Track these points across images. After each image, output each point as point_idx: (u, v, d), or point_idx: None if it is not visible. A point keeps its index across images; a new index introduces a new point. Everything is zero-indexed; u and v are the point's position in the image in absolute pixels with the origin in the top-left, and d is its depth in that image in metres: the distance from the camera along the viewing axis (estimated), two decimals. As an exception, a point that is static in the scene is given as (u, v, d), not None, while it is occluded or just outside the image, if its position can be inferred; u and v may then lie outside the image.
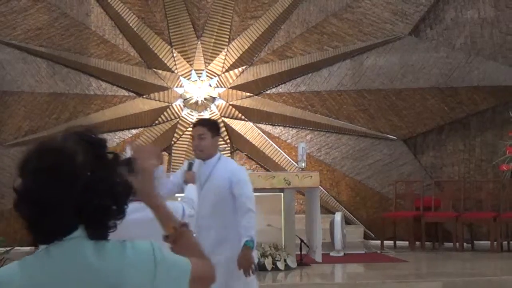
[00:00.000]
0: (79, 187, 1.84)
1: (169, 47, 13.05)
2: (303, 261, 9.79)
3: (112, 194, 1.89)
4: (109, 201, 1.89)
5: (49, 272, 1.84)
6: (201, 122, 6.10)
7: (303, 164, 10.67)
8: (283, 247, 9.64)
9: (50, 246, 1.87)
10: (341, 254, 10.91)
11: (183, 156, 12.85)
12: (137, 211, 3.85)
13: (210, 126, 5.94)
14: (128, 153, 11.39)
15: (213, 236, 5.71)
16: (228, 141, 13.04)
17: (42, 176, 1.84)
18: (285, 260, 9.47)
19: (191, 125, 6.09)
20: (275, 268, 9.38)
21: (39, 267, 1.85)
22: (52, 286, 1.84)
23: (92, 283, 1.86)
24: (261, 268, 9.31)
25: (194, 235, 5.96)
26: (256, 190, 9.56)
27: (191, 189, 5.51)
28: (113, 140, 12.87)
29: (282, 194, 9.80)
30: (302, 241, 9.84)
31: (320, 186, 10.70)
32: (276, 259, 9.42)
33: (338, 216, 11.12)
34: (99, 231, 1.90)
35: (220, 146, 11.57)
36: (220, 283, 5.75)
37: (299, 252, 9.83)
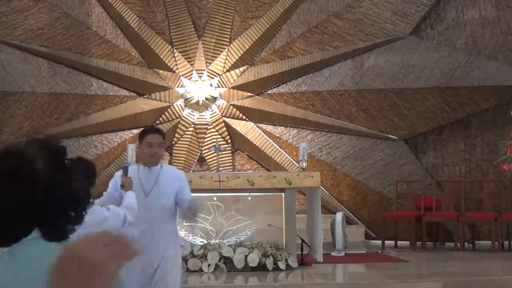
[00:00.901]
0: (39, 192, 1.86)
1: (170, 47, 13.06)
2: (304, 261, 9.79)
3: (70, 200, 1.92)
4: (68, 206, 1.91)
5: (13, 272, 1.86)
6: (159, 131, 6.16)
7: (304, 164, 10.67)
8: (284, 247, 9.64)
9: (11, 247, 1.89)
10: (342, 254, 10.91)
11: (184, 156, 12.85)
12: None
13: (164, 135, 6.08)
14: (129, 153, 11.35)
15: (155, 239, 5.85)
16: (229, 141, 13.05)
17: (1, 180, 1.85)
18: (286, 260, 9.46)
19: (147, 132, 6.07)
20: (276, 268, 9.38)
21: (3, 268, 1.86)
22: (19, 285, 1.86)
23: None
24: (263, 268, 9.32)
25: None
26: (257, 190, 9.70)
27: (130, 196, 5.53)
28: (114, 140, 12.88)
29: (283, 194, 9.80)
30: (303, 241, 9.84)
31: (321, 186, 10.69)
32: (277, 259, 9.42)
33: (339, 216, 11.12)
34: (55, 233, 1.92)
35: (222, 146, 11.61)
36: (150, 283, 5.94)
37: (300, 252, 9.83)
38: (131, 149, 10.79)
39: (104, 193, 6.03)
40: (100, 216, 4.85)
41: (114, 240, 1.55)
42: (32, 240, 1.90)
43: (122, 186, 5.68)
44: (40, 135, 2.00)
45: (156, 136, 5.96)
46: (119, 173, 6.00)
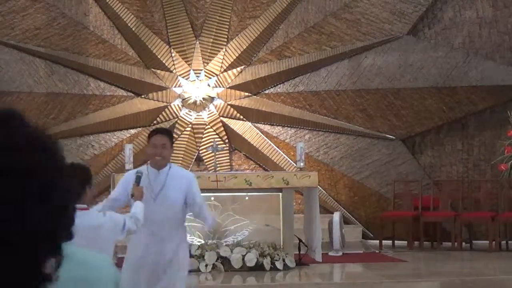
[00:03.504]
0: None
1: (167, 47, 13.04)
2: (301, 261, 9.79)
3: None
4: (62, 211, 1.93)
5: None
6: (163, 131, 6.15)
7: (302, 164, 10.66)
8: (281, 247, 9.63)
9: None
10: (340, 253, 10.91)
11: (181, 156, 12.84)
12: None
13: (170, 136, 6.03)
14: (126, 153, 11.34)
15: (164, 240, 5.89)
16: (227, 141, 13.04)
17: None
18: (283, 260, 9.46)
19: (153, 133, 6.06)
20: (274, 268, 9.37)
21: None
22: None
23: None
24: (260, 268, 9.32)
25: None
26: (254, 190, 9.70)
27: (138, 206, 5.43)
28: (111, 140, 12.88)
29: (280, 194, 9.79)
30: (300, 240, 9.84)
31: (318, 186, 10.69)
32: (275, 259, 9.42)
33: (336, 216, 11.12)
34: (66, 235, 1.94)
35: (219, 146, 11.61)
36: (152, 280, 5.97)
37: (297, 252, 9.83)
38: (129, 149, 10.78)
39: (106, 199, 5.98)
40: (96, 221, 4.72)
41: None
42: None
43: (132, 195, 5.59)
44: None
45: (160, 137, 5.91)
46: (130, 176, 5.89)
